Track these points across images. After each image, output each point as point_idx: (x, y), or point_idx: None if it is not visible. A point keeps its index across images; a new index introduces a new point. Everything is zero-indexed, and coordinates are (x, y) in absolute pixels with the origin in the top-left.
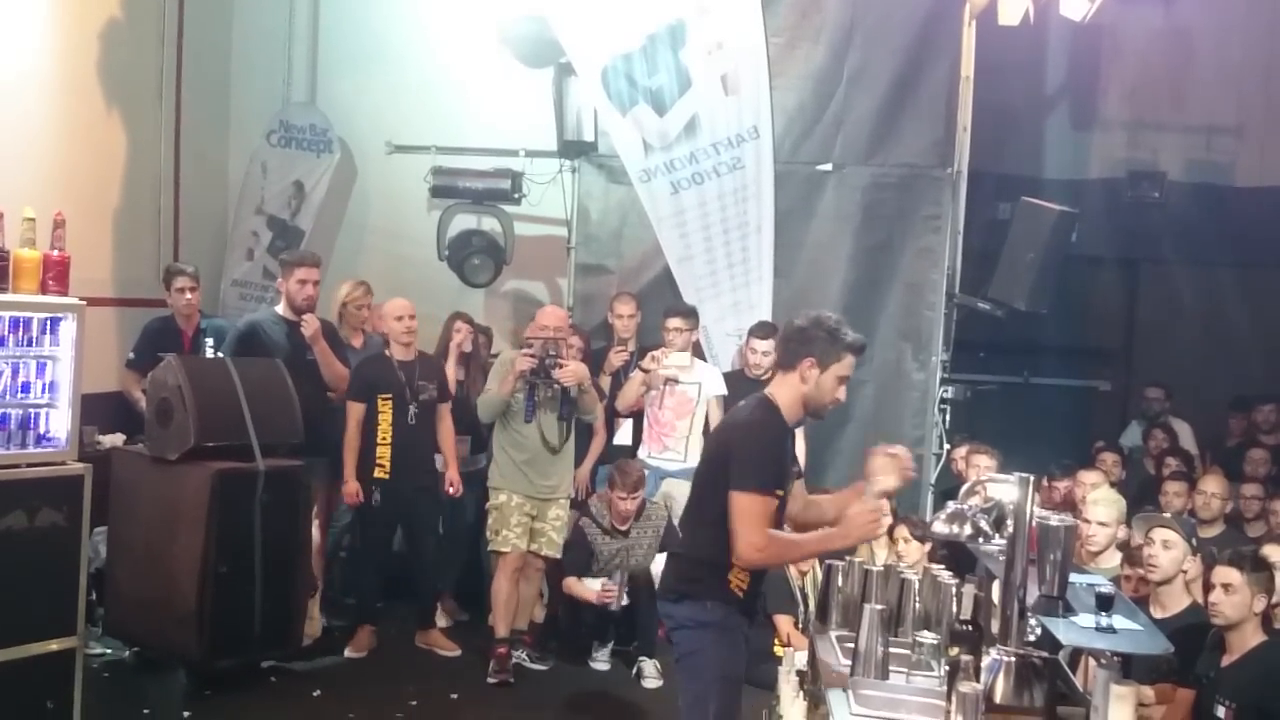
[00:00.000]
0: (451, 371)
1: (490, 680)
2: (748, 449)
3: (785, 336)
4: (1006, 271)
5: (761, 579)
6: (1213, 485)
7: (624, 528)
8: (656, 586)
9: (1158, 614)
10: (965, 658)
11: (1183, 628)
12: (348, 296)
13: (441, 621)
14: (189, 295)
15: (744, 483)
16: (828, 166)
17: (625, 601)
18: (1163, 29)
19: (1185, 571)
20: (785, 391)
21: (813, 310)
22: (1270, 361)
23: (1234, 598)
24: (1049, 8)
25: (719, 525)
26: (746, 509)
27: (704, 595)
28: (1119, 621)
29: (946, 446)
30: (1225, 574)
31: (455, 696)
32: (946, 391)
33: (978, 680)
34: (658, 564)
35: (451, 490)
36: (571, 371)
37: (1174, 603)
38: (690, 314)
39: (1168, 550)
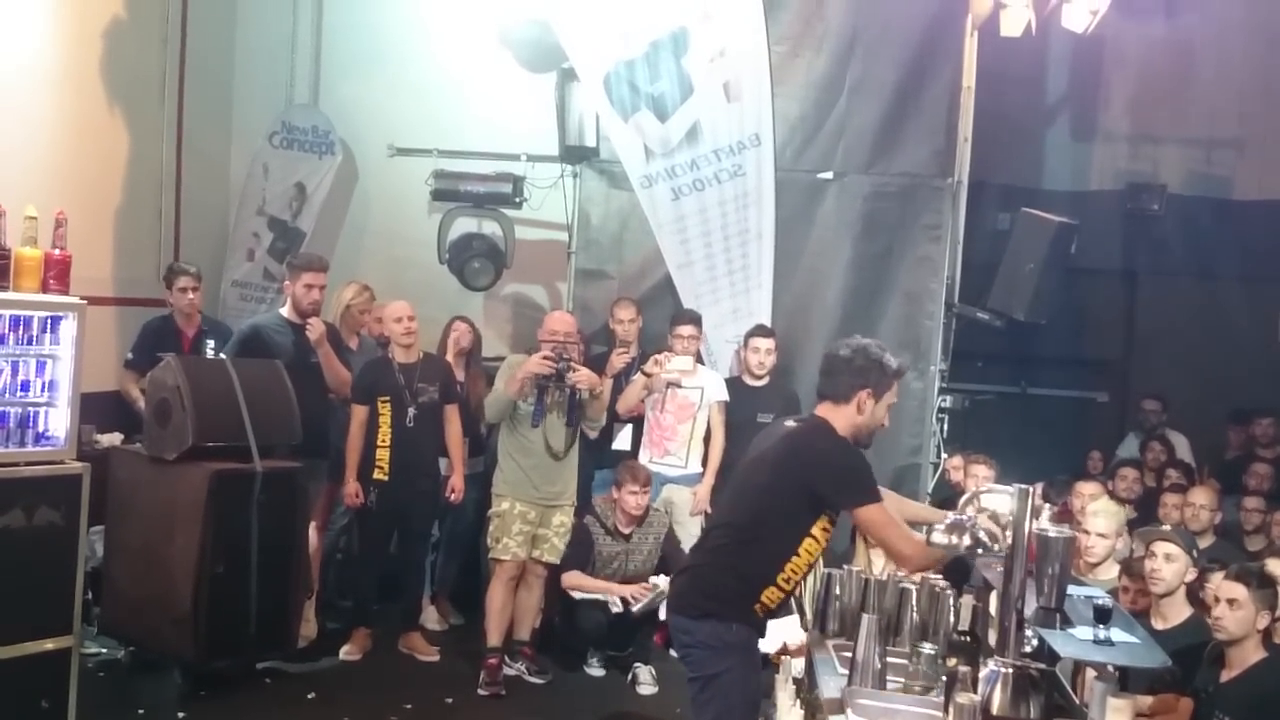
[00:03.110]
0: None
1: (481, 692)
2: (846, 466)
3: (832, 369)
4: (1006, 282)
5: (787, 604)
6: (1201, 497)
7: (627, 530)
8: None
9: (1159, 625)
10: (963, 668)
11: (1184, 639)
12: (352, 300)
13: (435, 625)
14: (191, 295)
15: (863, 498)
16: (828, 175)
17: (638, 607)
18: (1164, 42)
19: (1187, 583)
20: (839, 420)
21: (851, 340)
22: (1268, 375)
23: (1238, 613)
24: (1051, 19)
25: (768, 542)
26: (884, 520)
27: (730, 616)
28: (1116, 634)
29: (944, 455)
30: (1231, 589)
31: (450, 701)
32: (944, 401)
33: (975, 691)
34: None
35: (453, 497)
36: (586, 376)
37: (1175, 614)
38: (699, 321)
39: (1170, 563)
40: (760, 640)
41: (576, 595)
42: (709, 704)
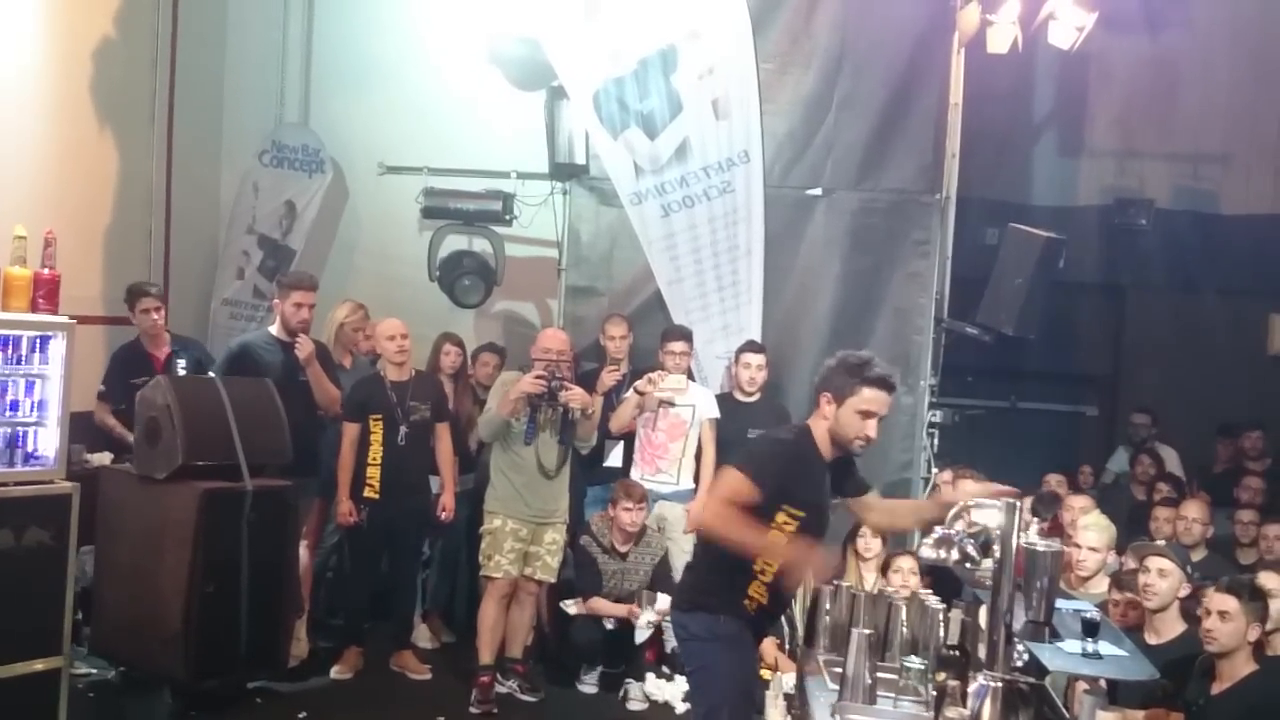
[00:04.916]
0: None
1: (473, 710)
2: (764, 449)
3: (815, 379)
4: (994, 297)
5: (779, 600)
6: (1193, 511)
7: (624, 549)
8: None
9: (1152, 640)
10: (952, 683)
11: (1177, 654)
12: (346, 319)
13: (427, 643)
14: (155, 316)
15: (739, 462)
16: (817, 191)
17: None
18: (1150, 58)
19: (1180, 599)
20: (816, 428)
21: (844, 351)
22: (1256, 388)
23: (1229, 625)
24: (1037, 36)
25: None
26: (726, 481)
27: (718, 609)
28: (1105, 647)
29: (934, 470)
30: (1222, 601)
31: (442, 719)
32: (934, 416)
33: (964, 706)
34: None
35: (444, 515)
36: (578, 395)
37: (1169, 629)
38: (690, 337)
39: (1164, 578)
40: (752, 635)
41: (571, 610)
42: (703, 693)
